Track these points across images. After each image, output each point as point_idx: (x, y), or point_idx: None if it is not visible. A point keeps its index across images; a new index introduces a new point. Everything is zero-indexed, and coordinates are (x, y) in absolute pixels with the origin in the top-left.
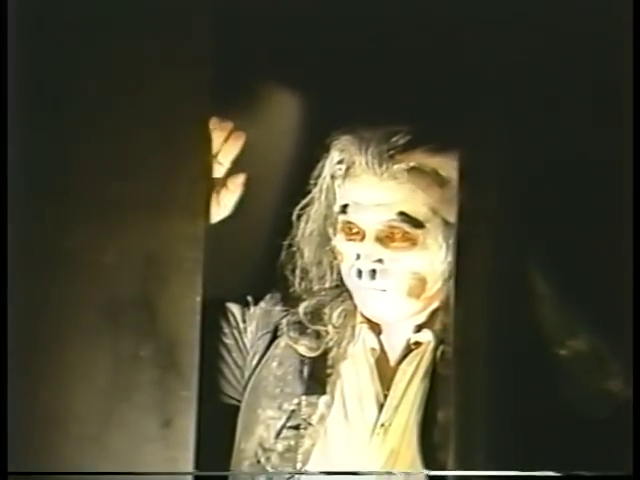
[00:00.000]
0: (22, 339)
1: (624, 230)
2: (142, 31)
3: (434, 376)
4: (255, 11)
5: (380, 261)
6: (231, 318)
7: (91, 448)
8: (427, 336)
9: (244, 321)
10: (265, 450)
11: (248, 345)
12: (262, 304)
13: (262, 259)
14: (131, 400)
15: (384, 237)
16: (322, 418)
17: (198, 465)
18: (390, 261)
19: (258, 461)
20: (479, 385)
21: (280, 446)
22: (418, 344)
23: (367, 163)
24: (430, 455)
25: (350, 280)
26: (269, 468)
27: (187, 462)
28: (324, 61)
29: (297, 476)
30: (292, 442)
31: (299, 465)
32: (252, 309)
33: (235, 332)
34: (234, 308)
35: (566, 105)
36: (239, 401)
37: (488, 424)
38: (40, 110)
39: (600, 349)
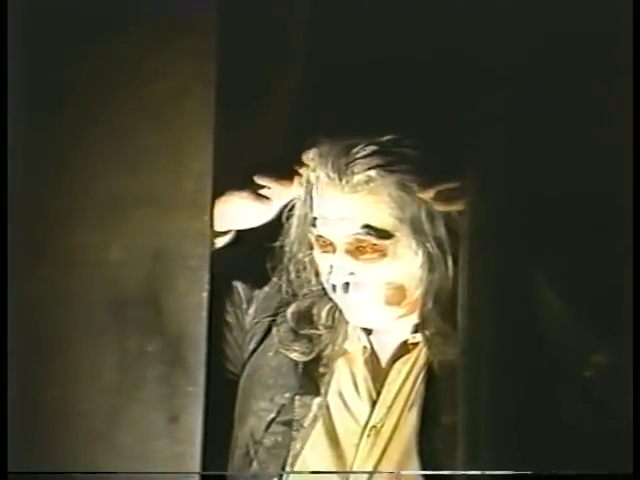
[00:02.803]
0: (29, 336)
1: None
2: (147, 27)
3: (430, 377)
4: (257, 14)
5: (352, 274)
6: (236, 297)
7: (98, 444)
8: (423, 337)
9: (247, 302)
10: (255, 442)
11: (247, 326)
12: (266, 288)
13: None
14: (138, 396)
15: (354, 250)
16: (314, 420)
17: (205, 462)
18: (362, 273)
19: (247, 452)
20: (481, 386)
21: (268, 441)
22: (415, 344)
23: (328, 176)
24: (428, 459)
25: (328, 291)
26: (256, 463)
27: (194, 458)
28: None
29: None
30: (280, 439)
31: (286, 465)
32: (256, 291)
33: (238, 311)
34: (240, 287)
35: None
36: (238, 376)
37: (489, 425)
38: (45, 107)
39: (601, 348)
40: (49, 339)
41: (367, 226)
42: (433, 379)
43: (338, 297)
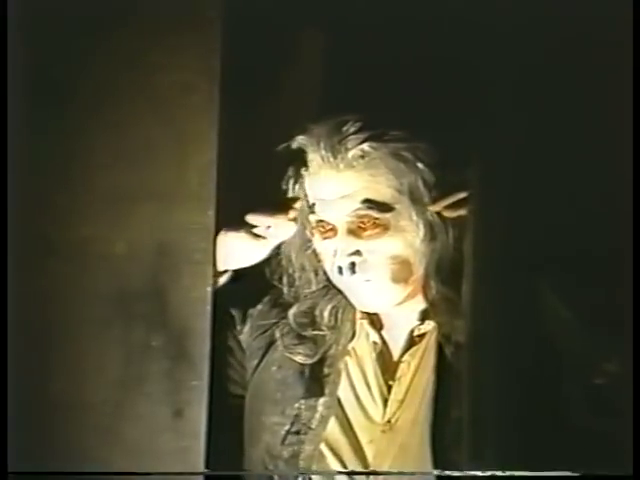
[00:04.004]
0: (31, 330)
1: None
2: (151, 21)
3: (441, 368)
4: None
5: (357, 253)
6: (230, 321)
7: (102, 439)
8: (431, 325)
9: (242, 322)
10: (272, 457)
11: (244, 345)
12: (259, 306)
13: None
14: (142, 390)
15: (356, 228)
16: (323, 420)
17: (209, 457)
18: (367, 252)
19: (266, 468)
20: (487, 379)
21: (286, 453)
22: (422, 335)
23: (322, 158)
24: (440, 453)
25: (334, 278)
26: (276, 477)
27: (198, 452)
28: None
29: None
30: (296, 448)
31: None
32: (250, 310)
33: (235, 332)
34: (234, 311)
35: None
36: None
37: (494, 422)
38: (49, 102)
39: (605, 348)
40: (52, 333)
41: (367, 200)
42: (444, 370)
43: (344, 281)
